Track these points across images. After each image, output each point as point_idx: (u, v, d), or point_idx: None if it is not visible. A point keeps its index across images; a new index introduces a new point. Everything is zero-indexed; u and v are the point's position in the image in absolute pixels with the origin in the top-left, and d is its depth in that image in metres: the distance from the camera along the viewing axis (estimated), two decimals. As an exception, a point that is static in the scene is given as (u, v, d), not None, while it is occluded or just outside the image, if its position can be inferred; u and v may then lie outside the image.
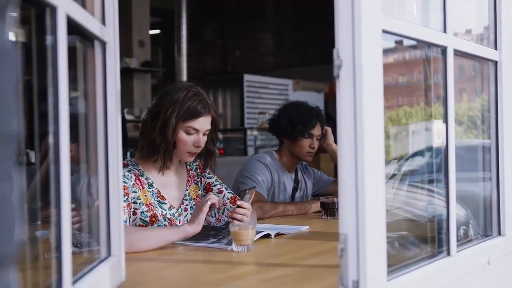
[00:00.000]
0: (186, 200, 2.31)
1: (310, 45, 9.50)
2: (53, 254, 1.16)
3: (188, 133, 2.16)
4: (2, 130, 0.56)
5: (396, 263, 1.33)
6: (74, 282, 1.08)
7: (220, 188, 2.37)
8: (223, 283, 1.50)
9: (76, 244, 1.30)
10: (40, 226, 1.85)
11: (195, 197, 2.34)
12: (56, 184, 0.99)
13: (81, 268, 1.20)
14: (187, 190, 2.32)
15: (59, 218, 0.99)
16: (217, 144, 2.40)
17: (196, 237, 1.99)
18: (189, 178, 2.35)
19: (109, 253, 1.36)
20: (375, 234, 1.18)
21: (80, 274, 1.16)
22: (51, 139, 0.98)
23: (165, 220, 2.18)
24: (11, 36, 0.60)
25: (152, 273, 1.64)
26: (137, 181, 2.16)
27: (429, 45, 1.55)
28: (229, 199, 2.33)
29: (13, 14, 0.61)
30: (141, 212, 2.13)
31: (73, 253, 1.06)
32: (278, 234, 2.17)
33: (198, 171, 2.39)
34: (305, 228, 2.33)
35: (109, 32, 1.35)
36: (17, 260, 0.62)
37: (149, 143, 2.18)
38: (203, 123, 2.18)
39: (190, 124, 2.15)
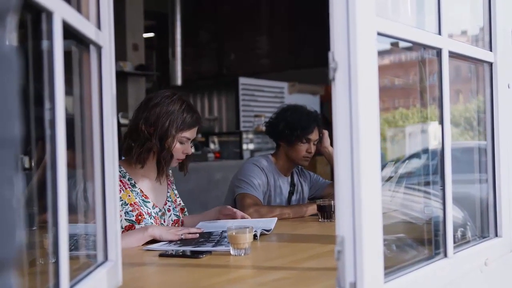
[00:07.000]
0: (168, 201, 2.41)
1: (305, 47, 9.51)
2: (48, 260, 1.16)
3: (181, 143, 2.28)
4: (4, 135, 0.56)
5: (393, 265, 1.34)
6: (71, 287, 1.08)
7: (169, 206, 2.43)
8: (221, 286, 1.50)
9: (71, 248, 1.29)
10: (37, 232, 1.84)
11: (174, 200, 2.45)
12: (53, 189, 0.98)
13: (78, 273, 1.20)
14: (168, 192, 2.43)
15: (56, 223, 0.99)
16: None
17: (195, 244, 1.99)
18: (169, 182, 2.46)
19: (106, 258, 1.35)
20: (372, 236, 1.18)
21: (77, 279, 1.16)
22: (47, 144, 0.97)
23: (150, 218, 2.25)
24: (11, 41, 0.60)
25: (149, 277, 1.64)
26: (119, 182, 2.20)
27: (424, 47, 1.55)
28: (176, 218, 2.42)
29: (13, 19, 0.62)
30: (125, 213, 2.19)
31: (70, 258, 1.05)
32: (263, 234, 2.19)
33: (172, 179, 2.51)
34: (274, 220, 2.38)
35: (104, 36, 1.35)
36: (17, 264, 0.62)
37: (145, 151, 2.23)
38: (195, 133, 2.33)
39: (185, 134, 2.28)
